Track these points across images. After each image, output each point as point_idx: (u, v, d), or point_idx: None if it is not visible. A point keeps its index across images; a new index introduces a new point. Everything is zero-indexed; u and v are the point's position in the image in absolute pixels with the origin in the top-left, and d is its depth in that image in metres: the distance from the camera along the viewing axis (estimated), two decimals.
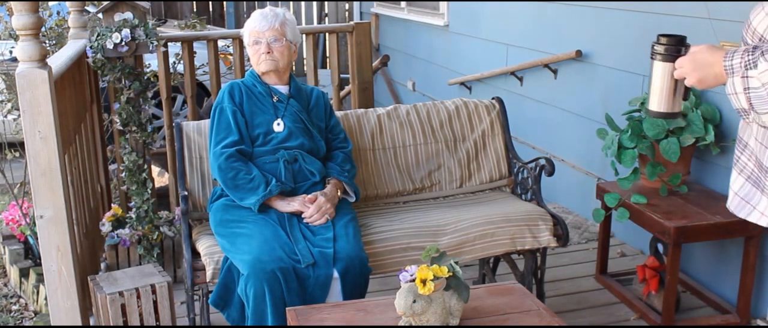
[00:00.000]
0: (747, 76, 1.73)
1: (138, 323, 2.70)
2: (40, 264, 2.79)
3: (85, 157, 3.32)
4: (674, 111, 1.95)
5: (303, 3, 10.17)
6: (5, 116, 4.51)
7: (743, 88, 1.74)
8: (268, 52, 2.76)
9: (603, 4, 3.96)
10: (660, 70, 1.92)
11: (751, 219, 1.86)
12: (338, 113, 3.14)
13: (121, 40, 3.22)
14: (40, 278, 3.68)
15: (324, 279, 2.48)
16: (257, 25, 2.78)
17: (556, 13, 4.41)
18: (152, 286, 2.71)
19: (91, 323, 2.83)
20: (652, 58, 1.95)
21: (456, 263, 1.99)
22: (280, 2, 9.90)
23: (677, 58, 1.88)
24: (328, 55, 8.60)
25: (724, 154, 3.20)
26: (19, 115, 2.73)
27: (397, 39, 6.96)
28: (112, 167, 4.20)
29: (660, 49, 1.92)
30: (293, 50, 2.85)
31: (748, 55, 1.74)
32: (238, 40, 3.78)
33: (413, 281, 1.91)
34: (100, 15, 3.91)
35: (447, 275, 1.93)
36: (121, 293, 2.66)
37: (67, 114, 2.87)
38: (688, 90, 1.96)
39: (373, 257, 2.68)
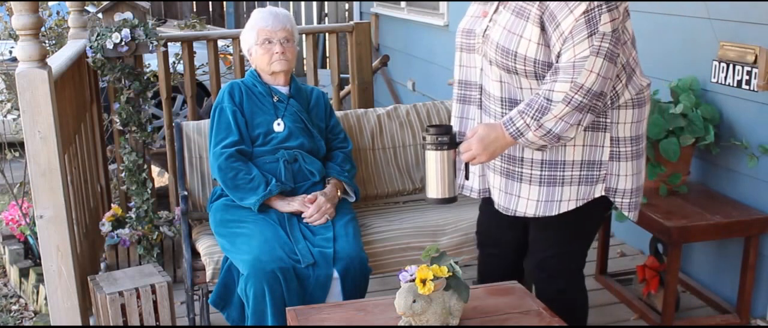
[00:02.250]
0: (542, 126, 2.01)
1: (138, 323, 2.70)
2: (40, 264, 2.78)
3: (85, 157, 3.31)
4: (454, 195, 2.10)
5: (303, 3, 10.17)
6: (5, 116, 4.51)
7: (542, 135, 2.03)
8: (283, 52, 2.75)
9: None
10: (435, 158, 2.05)
11: (519, 211, 2.22)
12: (338, 113, 3.14)
13: (121, 40, 3.21)
14: (40, 278, 3.68)
15: (324, 279, 2.48)
16: (269, 24, 2.75)
17: None
18: (152, 286, 2.71)
19: (91, 323, 2.83)
20: (424, 148, 2.07)
21: (456, 263, 1.99)
22: (280, 2, 9.90)
23: (450, 146, 2.05)
24: (328, 55, 8.59)
25: (724, 155, 3.19)
26: (19, 115, 2.72)
27: (397, 39, 6.95)
28: (112, 167, 4.19)
29: (433, 139, 2.05)
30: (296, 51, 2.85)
31: (530, 111, 2.02)
32: (238, 40, 3.77)
33: (413, 281, 1.91)
34: (100, 15, 3.91)
35: (447, 275, 1.93)
36: (121, 293, 2.66)
37: (67, 114, 2.87)
38: (468, 167, 2.18)
39: (373, 256, 2.68)
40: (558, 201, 2.19)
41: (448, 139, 2.04)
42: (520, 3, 2.07)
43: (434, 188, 2.07)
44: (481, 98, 2.26)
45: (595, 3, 1.96)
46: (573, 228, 2.27)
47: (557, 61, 2.02)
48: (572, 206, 2.19)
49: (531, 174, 2.20)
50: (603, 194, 2.20)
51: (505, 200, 2.26)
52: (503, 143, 2.10)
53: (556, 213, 2.19)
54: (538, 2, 2.02)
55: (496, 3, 2.15)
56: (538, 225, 2.29)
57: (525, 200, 2.22)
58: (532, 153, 2.17)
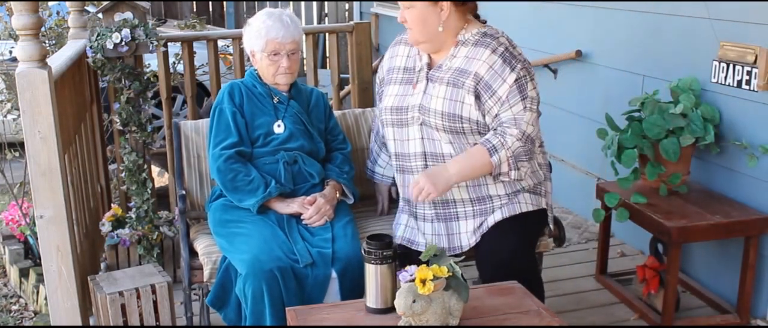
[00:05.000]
0: (508, 147, 2.41)
1: (138, 323, 2.70)
2: (40, 264, 2.79)
3: (85, 157, 3.32)
4: (390, 306, 2.10)
5: (303, 3, 10.16)
6: (5, 116, 4.51)
7: (508, 156, 2.41)
8: (289, 66, 2.72)
9: (603, 4, 3.96)
10: (377, 271, 2.10)
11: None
12: (336, 113, 3.13)
13: (121, 40, 3.21)
14: (40, 278, 3.68)
15: (322, 279, 2.48)
16: (280, 36, 2.67)
17: (556, 13, 4.41)
18: (152, 286, 2.71)
19: (91, 323, 2.83)
20: (365, 260, 2.12)
21: (456, 262, 1.99)
22: (280, 2, 9.90)
23: (393, 259, 2.11)
24: (328, 55, 8.59)
25: (724, 155, 3.19)
26: (19, 115, 2.72)
27: None
28: (112, 167, 4.19)
29: (379, 254, 2.10)
30: None
31: (495, 136, 2.41)
32: (238, 40, 3.77)
33: (413, 281, 1.91)
34: (100, 15, 3.91)
35: (447, 275, 1.93)
36: (121, 293, 2.66)
37: (67, 114, 2.87)
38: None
39: None
40: (518, 202, 2.54)
41: (391, 252, 2.10)
42: (454, 76, 2.45)
43: (374, 299, 2.11)
44: (426, 164, 2.53)
45: (522, 73, 2.41)
46: (529, 227, 2.59)
47: (495, 120, 2.43)
48: (531, 207, 2.55)
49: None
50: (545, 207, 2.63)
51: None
52: (447, 176, 2.40)
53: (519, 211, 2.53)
54: (472, 75, 2.42)
55: (424, 81, 2.51)
56: (500, 229, 2.51)
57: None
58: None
